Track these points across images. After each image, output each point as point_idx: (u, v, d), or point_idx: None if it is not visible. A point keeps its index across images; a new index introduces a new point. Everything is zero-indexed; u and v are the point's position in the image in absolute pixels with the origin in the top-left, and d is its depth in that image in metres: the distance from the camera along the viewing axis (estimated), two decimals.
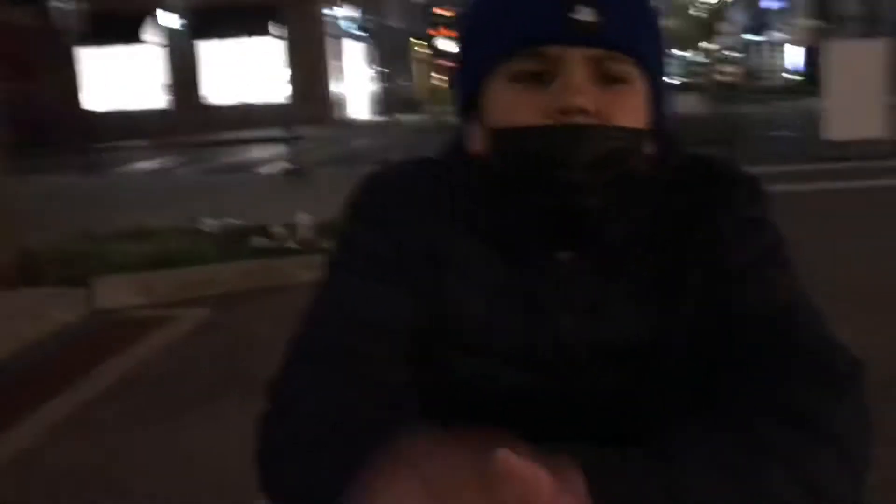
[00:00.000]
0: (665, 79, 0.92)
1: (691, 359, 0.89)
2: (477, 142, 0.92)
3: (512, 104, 0.86)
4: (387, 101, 8.79)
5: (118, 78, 26.88)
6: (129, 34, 25.11)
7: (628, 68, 0.86)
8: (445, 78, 42.06)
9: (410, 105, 35.53)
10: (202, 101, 26.60)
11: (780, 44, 42.01)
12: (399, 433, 0.75)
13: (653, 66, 0.89)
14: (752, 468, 0.69)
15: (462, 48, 0.94)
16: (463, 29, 0.94)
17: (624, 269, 0.91)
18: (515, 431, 0.88)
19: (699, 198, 0.92)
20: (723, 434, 0.73)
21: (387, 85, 8.33)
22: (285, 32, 11.80)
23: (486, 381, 0.90)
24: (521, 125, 0.85)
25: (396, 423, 0.78)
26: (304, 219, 5.85)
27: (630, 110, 0.86)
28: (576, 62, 0.83)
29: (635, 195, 0.90)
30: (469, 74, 0.92)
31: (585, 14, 0.82)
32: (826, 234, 6.17)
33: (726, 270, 0.89)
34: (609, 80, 0.85)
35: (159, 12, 25.51)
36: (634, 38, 0.86)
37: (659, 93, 0.92)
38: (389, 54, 29.74)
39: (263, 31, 20.98)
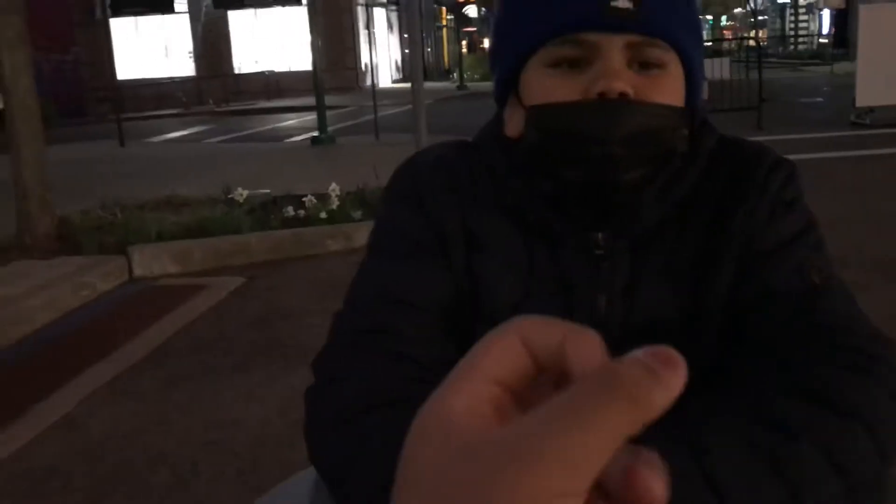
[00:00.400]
0: (699, 61, 0.94)
1: (723, 339, 0.91)
2: (514, 126, 0.94)
3: (550, 87, 0.88)
4: (417, 69, 8.77)
5: (149, 47, 27.00)
6: (160, 4, 25.13)
7: (665, 54, 0.88)
8: (471, 45, 41.61)
9: (438, 73, 35.29)
10: (231, 69, 26.65)
11: (812, 8, 41.01)
12: None
13: (689, 52, 0.90)
14: (780, 448, 0.70)
15: (499, 33, 0.96)
16: (499, 12, 0.96)
17: (658, 250, 0.92)
18: None
19: (734, 181, 0.94)
20: (751, 414, 0.73)
21: (417, 54, 8.31)
22: (316, 1, 11.75)
23: None
24: (557, 102, 0.87)
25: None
26: (334, 189, 5.91)
27: (666, 94, 0.88)
28: (613, 48, 0.85)
29: (671, 176, 0.92)
30: (506, 59, 0.94)
31: (624, 1, 0.84)
32: (856, 202, 6.11)
33: (759, 252, 0.90)
34: (645, 65, 0.87)
35: None
36: (671, 24, 0.88)
37: (694, 78, 0.93)
38: (420, 23, 29.47)
39: (292, 1, 20.90)
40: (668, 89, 0.89)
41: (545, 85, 0.89)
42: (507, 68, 0.94)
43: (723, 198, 0.94)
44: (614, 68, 0.85)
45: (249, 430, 2.95)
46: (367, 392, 0.83)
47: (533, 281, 0.94)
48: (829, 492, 0.70)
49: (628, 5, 0.84)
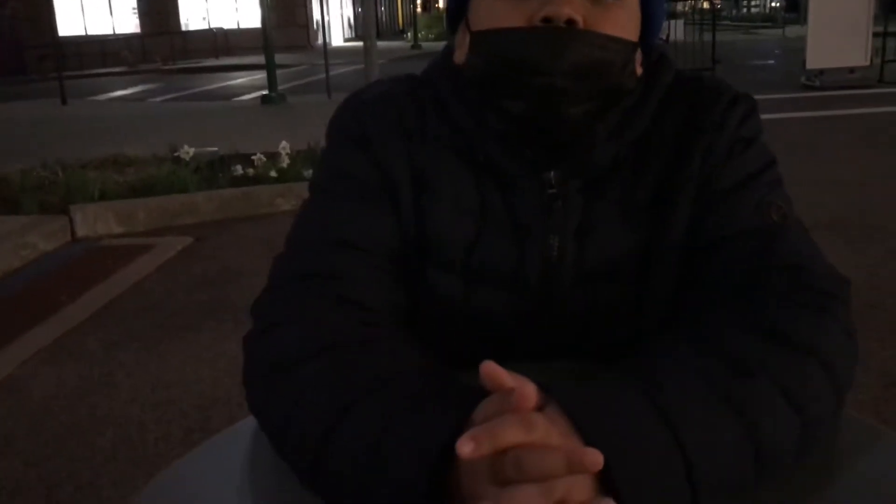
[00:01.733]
0: (659, 1, 0.90)
1: (682, 278, 0.89)
2: (462, 53, 0.90)
3: (497, 10, 0.84)
4: (370, 27, 8.57)
5: (92, 3, 26.13)
6: None
7: None
8: (426, 3, 41.12)
9: (392, 32, 34.83)
10: (178, 25, 25.95)
11: None
12: (384, 356, 0.77)
13: None
14: (736, 385, 0.68)
15: None
16: None
17: (613, 190, 0.90)
18: (497, 352, 0.90)
19: (691, 118, 0.91)
20: (708, 352, 0.72)
21: (369, 10, 8.09)
22: None
23: (469, 301, 0.90)
24: (499, 28, 0.84)
25: (377, 342, 0.79)
26: (284, 147, 5.79)
27: (619, 26, 0.84)
28: None
29: (625, 114, 0.89)
30: None
31: None
32: (807, 162, 6.20)
33: (717, 190, 0.88)
34: None
35: None
36: None
37: (652, 14, 0.90)
38: None
39: None
40: (621, 22, 0.85)
41: (492, 8, 0.85)
42: None
43: (680, 135, 0.91)
44: (567, 2, 0.81)
45: (198, 391, 2.89)
46: (308, 337, 0.78)
47: (485, 223, 0.90)
48: (785, 428, 0.69)
49: None
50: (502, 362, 0.86)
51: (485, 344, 0.91)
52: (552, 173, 0.89)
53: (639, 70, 0.91)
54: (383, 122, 0.93)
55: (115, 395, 2.90)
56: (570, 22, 0.81)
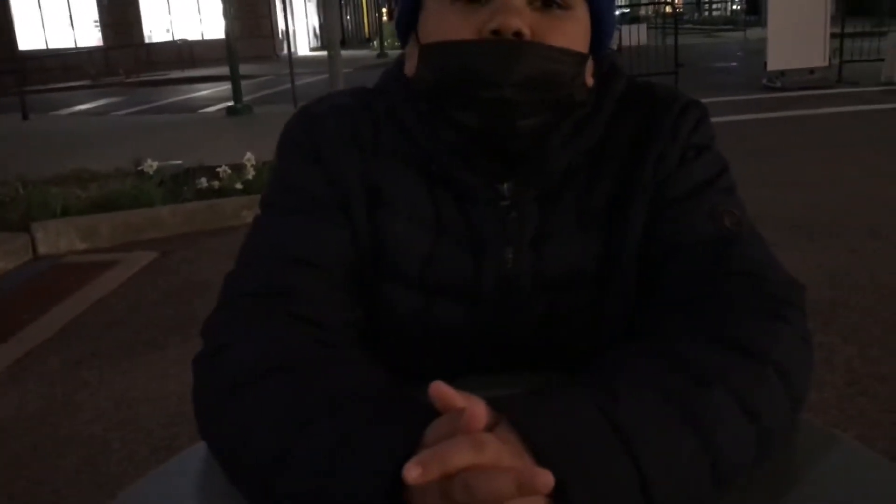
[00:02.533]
0: (609, 8, 0.90)
1: (635, 289, 0.88)
2: (412, 65, 0.89)
3: (446, 23, 0.84)
4: (333, 36, 8.55)
5: (53, 16, 25.82)
6: None
7: None
8: (392, 12, 41.18)
9: (358, 40, 34.80)
10: (142, 37, 25.71)
11: None
12: (338, 375, 0.75)
13: None
14: (691, 393, 0.68)
15: None
16: None
17: (568, 199, 0.89)
18: (455, 364, 0.88)
19: (644, 125, 0.91)
20: (663, 361, 0.71)
21: (333, 20, 8.06)
22: None
23: (427, 314, 0.89)
24: (449, 40, 0.83)
25: (331, 361, 0.77)
26: (249, 158, 5.75)
27: (568, 37, 0.84)
28: None
29: (578, 123, 0.89)
30: None
31: None
32: (769, 162, 6.28)
33: (671, 197, 0.88)
34: (549, 4, 0.83)
35: None
36: None
37: (602, 25, 0.89)
38: None
39: None
40: (571, 33, 0.85)
41: (441, 20, 0.84)
42: (406, 3, 0.89)
43: (633, 143, 0.91)
44: (513, 4, 0.81)
45: (164, 408, 2.84)
46: (259, 357, 0.76)
47: (440, 235, 0.89)
48: (742, 438, 0.68)
49: None
50: (461, 376, 0.85)
51: (443, 358, 0.90)
52: (506, 184, 0.88)
53: (590, 80, 0.90)
54: (336, 134, 0.92)
55: (78, 414, 2.85)
56: (518, 34, 0.81)
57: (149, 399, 2.92)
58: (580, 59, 0.86)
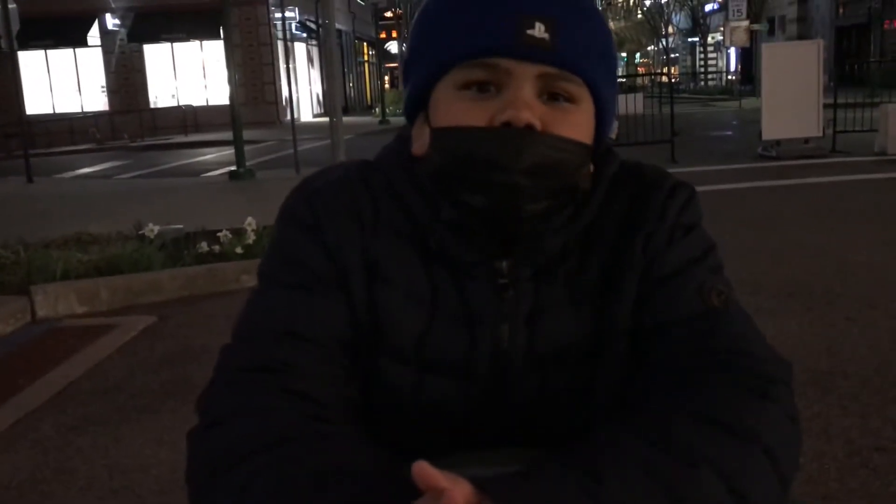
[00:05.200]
0: (611, 101, 0.93)
1: (626, 365, 0.90)
2: (421, 145, 0.92)
3: (458, 109, 0.86)
4: (336, 103, 8.75)
5: (61, 82, 26.28)
6: (71, 37, 24.56)
7: (577, 89, 0.87)
8: (394, 80, 41.91)
9: (361, 107, 35.36)
10: (147, 103, 26.12)
11: (720, 45, 42.82)
12: (333, 452, 0.76)
13: (601, 90, 0.89)
14: (678, 474, 0.68)
15: (412, 49, 0.93)
16: (415, 30, 0.93)
17: (561, 277, 0.91)
18: (448, 440, 0.89)
19: (633, 206, 0.93)
20: (649, 440, 0.72)
21: (336, 88, 8.24)
22: (232, 35, 11.64)
23: (421, 390, 0.90)
24: (464, 126, 0.85)
25: (324, 438, 0.78)
26: (250, 223, 5.79)
27: (574, 129, 0.87)
28: (525, 77, 0.84)
29: (575, 205, 0.92)
30: (418, 77, 0.91)
31: (540, 31, 0.82)
32: (765, 231, 6.32)
33: (659, 276, 0.90)
34: (556, 97, 0.86)
35: (104, 15, 25.00)
36: (586, 59, 0.87)
37: (604, 116, 0.92)
38: (339, 57, 29.59)
39: (211, 35, 20.70)
40: (577, 124, 0.87)
41: (453, 107, 0.87)
42: (417, 85, 0.92)
43: (623, 223, 0.93)
44: (524, 98, 0.84)
45: (158, 476, 2.81)
46: (253, 434, 0.77)
47: (436, 311, 0.90)
48: None
49: (544, 36, 0.83)
50: (452, 451, 0.85)
51: (437, 433, 0.90)
52: (504, 262, 0.90)
53: (591, 168, 0.93)
54: (335, 209, 0.93)
55: (70, 482, 2.81)
56: (530, 126, 0.84)
57: (142, 466, 2.89)
58: (586, 149, 0.89)
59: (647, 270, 0.91)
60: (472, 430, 0.90)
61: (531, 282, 0.91)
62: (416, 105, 0.94)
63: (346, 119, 8.85)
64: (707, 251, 0.93)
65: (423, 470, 0.64)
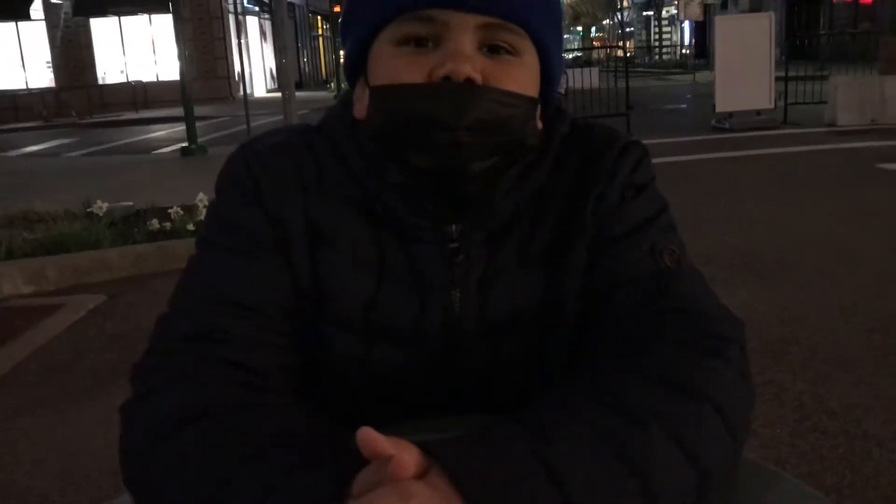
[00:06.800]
0: (557, 54, 0.90)
1: (578, 326, 0.88)
2: (362, 107, 0.88)
3: (395, 67, 0.83)
4: (289, 78, 8.58)
5: (3, 57, 25.49)
6: (13, 11, 23.79)
7: (519, 40, 0.83)
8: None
9: (316, 82, 34.95)
10: (95, 79, 25.48)
11: (674, 20, 43.16)
12: (269, 420, 0.73)
13: (545, 41, 0.86)
14: (628, 434, 0.66)
15: (347, 8, 0.89)
16: None
17: (513, 240, 0.89)
18: (398, 408, 0.86)
19: (584, 166, 0.91)
20: (599, 401, 0.70)
21: (289, 62, 8.08)
22: (182, 9, 11.37)
23: (369, 359, 0.87)
24: (402, 83, 0.82)
25: (261, 407, 0.75)
26: (201, 199, 5.68)
27: (518, 82, 0.84)
28: (464, 28, 0.81)
29: (526, 166, 0.89)
30: (354, 36, 0.88)
31: None
32: (719, 201, 6.40)
33: (610, 236, 0.88)
34: (497, 49, 0.83)
35: None
36: (529, 10, 0.83)
37: (550, 69, 0.89)
38: (292, 31, 29.15)
39: (160, 8, 20.20)
40: (520, 77, 0.84)
41: (391, 64, 0.83)
42: (355, 45, 0.88)
43: (574, 184, 0.91)
44: (463, 50, 0.81)
45: (107, 456, 2.74)
46: (186, 403, 0.74)
47: (384, 278, 0.87)
48: (681, 479, 0.67)
49: None
50: (402, 419, 0.83)
51: (386, 402, 0.88)
52: (454, 226, 0.87)
53: (539, 124, 0.90)
54: (277, 173, 0.90)
55: (17, 466, 2.74)
56: (469, 80, 0.80)
57: (91, 448, 2.82)
58: (531, 103, 0.86)
59: (599, 231, 0.89)
60: (422, 398, 0.88)
61: (482, 246, 0.88)
62: (356, 66, 0.90)
63: (300, 94, 8.74)
64: (660, 211, 0.91)
65: (369, 436, 0.61)
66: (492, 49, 0.83)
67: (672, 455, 0.67)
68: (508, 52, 0.83)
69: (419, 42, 0.82)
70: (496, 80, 0.82)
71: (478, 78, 0.81)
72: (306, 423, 0.74)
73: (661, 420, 0.68)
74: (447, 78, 0.80)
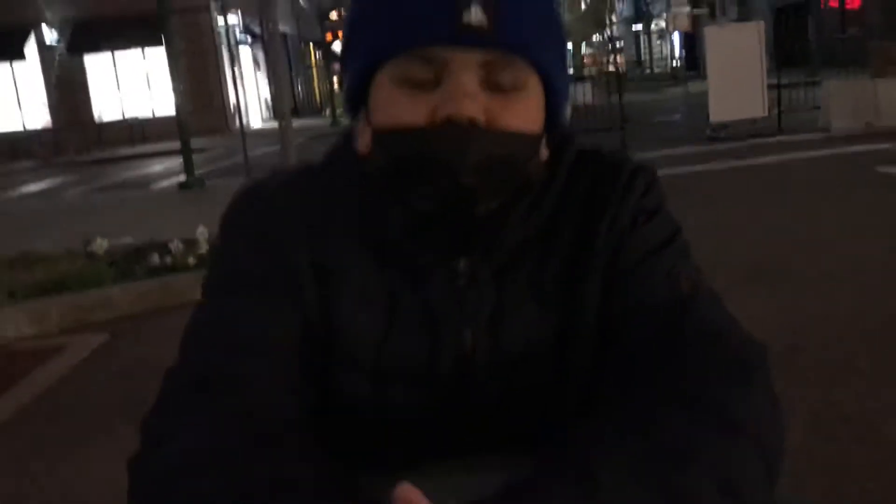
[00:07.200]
0: (562, 82, 0.86)
1: (595, 358, 0.86)
2: (364, 143, 0.86)
3: (397, 106, 0.80)
4: (285, 106, 8.63)
5: (1, 98, 25.61)
6: (7, 51, 23.93)
7: (523, 73, 0.80)
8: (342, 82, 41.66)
9: (311, 110, 35.11)
10: (91, 117, 25.58)
11: (665, 33, 43.40)
12: (279, 466, 0.71)
13: (550, 71, 0.83)
14: (672, 473, 0.66)
15: (346, 41, 0.87)
16: (348, 19, 0.87)
17: (523, 274, 0.87)
18: (410, 448, 0.85)
19: (594, 193, 0.89)
20: (638, 434, 0.69)
21: (284, 91, 8.14)
22: (175, 42, 11.44)
23: (380, 399, 0.86)
24: (404, 126, 0.80)
25: (272, 451, 0.73)
26: (202, 233, 5.67)
27: (523, 117, 0.81)
28: (465, 66, 0.78)
29: (532, 199, 0.87)
30: (355, 68, 0.85)
31: (477, 15, 0.76)
32: (715, 211, 6.39)
33: (625, 263, 0.86)
34: (501, 85, 0.80)
35: (41, 27, 24.41)
36: (531, 41, 0.80)
37: (556, 98, 0.86)
38: (285, 60, 29.32)
39: (153, 42, 20.31)
40: (525, 112, 0.82)
41: (392, 105, 0.81)
42: (354, 80, 0.86)
43: (584, 211, 0.89)
44: (465, 89, 0.78)
45: (115, 497, 2.70)
46: (197, 450, 0.72)
47: (394, 317, 0.86)
48: None
49: (482, 21, 0.76)
50: (413, 456, 0.81)
51: (398, 442, 0.86)
52: (462, 263, 0.86)
53: (545, 153, 0.88)
54: (281, 213, 0.88)
55: None
56: (472, 121, 0.78)
57: (97, 489, 2.79)
58: (535, 139, 0.84)
59: (612, 259, 0.87)
60: (434, 435, 0.86)
61: (492, 281, 0.86)
62: (357, 97, 0.88)
63: (296, 122, 8.76)
64: (673, 235, 0.89)
65: (408, 494, 0.60)
66: (495, 84, 0.80)
67: (714, 492, 0.66)
68: (512, 87, 0.81)
69: (420, 82, 0.80)
70: (500, 117, 0.79)
71: (481, 118, 0.78)
72: (317, 468, 0.72)
73: (701, 456, 0.68)
74: (449, 119, 0.78)
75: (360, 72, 0.84)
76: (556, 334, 0.86)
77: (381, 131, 0.82)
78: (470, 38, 0.77)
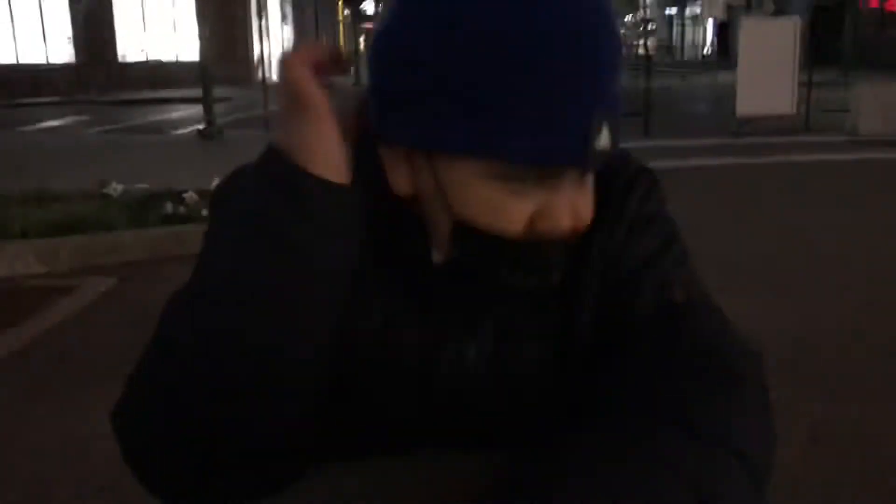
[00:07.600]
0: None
1: (590, 365, 0.85)
2: (403, 185, 0.79)
3: (490, 204, 0.75)
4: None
5: (24, 31, 25.55)
6: None
7: None
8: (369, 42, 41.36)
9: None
10: (115, 56, 25.52)
11: (698, 19, 42.84)
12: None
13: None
14: (651, 485, 0.65)
15: (423, 78, 0.74)
16: (443, 57, 0.72)
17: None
18: (402, 443, 0.84)
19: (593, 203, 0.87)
20: (620, 447, 0.68)
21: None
22: None
23: (375, 398, 0.85)
24: (500, 230, 0.75)
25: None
26: (217, 183, 5.65)
27: (590, 197, 0.80)
28: (572, 180, 0.75)
29: None
30: (431, 131, 0.74)
31: (605, 139, 0.73)
32: (734, 209, 6.34)
33: (620, 272, 0.85)
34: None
35: None
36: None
37: None
38: (315, 15, 29.10)
39: None
40: (590, 190, 0.80)
41: (484, 200, 0.75)
42: (428, 140, 0.75)
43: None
44: (567, 193, 0.76)
45: (114, 445, 2.73)
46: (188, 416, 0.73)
47: (395, 321, 0.85)
48: None
49: (606, 147, 0.73)
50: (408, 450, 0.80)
51: (386, 444, 0.86)
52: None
53: None
54: None
55: (21, 452, 2.73)
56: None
57: (97, 435, 2.81)
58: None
59: (609, 268, 0.85)
60: (425, 441, 0.86)
61: (496, 294, 0.85)
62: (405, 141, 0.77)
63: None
64: (669, 242, 0.87)
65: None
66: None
67: (691, 502, 0.65)
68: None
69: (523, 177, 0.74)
70: (581, 211, 0.78)
71: (574, 229, 0.77)
72: None
73: (681, 470, 0.66)
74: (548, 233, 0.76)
75: (445, 145, 0.74)
76: (555, 345, 0.86)
77: (467, 230, 0.77)
78: (596, 162, 0.74)
